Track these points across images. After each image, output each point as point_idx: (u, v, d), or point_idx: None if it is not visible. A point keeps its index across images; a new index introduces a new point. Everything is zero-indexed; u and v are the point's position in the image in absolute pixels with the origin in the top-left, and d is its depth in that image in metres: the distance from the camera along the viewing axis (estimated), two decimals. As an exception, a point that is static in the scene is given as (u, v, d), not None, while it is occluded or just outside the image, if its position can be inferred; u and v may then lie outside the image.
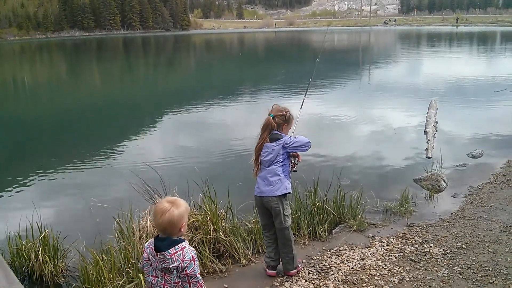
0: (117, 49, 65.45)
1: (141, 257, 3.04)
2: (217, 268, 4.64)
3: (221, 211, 5.26)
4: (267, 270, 4.55)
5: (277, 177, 4.23)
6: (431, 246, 5.01)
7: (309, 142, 4.24)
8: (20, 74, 33.34)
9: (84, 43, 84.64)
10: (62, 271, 4.82)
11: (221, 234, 4.90)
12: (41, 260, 4.67)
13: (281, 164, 4.25)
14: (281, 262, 4.52)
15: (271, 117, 4.25)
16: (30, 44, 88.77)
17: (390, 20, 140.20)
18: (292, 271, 4.48)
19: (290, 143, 4.19)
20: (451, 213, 5.98)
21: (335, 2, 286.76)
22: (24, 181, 8.36)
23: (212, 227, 4.89)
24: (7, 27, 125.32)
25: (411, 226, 5.59)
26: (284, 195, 4.26)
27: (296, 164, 4.48)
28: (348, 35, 79.73)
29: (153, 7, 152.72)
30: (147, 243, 2.85)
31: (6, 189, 7.96)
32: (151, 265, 2.79)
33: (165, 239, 2.70)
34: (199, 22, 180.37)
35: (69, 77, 31.00)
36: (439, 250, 4.90)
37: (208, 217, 4.96)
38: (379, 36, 74.00)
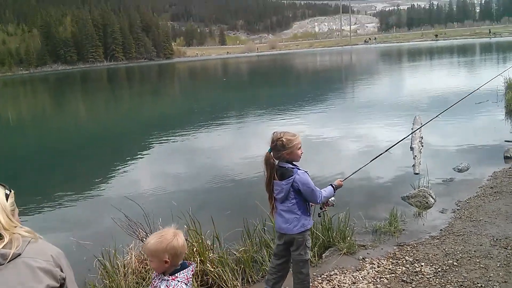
0: (101, 81, 65.53)
1: None
2: (205, 302, 4.51)
3: (207, 241, 5.15)
4: None
5: (293, 215, 3.91)
6: (422, 265, 4.93)
7: (319, 200, 3.96)
8: (3, 110, 33.08)
9: (68, 77, 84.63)
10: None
11: (208, 265, 4.78)
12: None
13: (295, 201, 3.91)
14: None
15: (269, 152, 3.89)
16: (13, 80, 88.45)
17: (370, 39, 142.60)
18: None
19: (299, 187, 3.86)
20: (441, 230, 5.92)
21: (315, 23, 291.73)
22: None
23: (199, 259, 4.77)
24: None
25: (401, 245, 5.52)
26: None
27: (323, 209, 4.28)
28: (329, 56, 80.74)
29: (135, 37, 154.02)
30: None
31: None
32: None
33: None
34: (182, 50, 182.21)
35: (53, 112, 30.84)
36: (431, 269, 4.83)
37: (195, 249, 4.84)
38: (361, 55, 75.01)
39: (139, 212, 5.17)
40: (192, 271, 2.78)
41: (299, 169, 3.91)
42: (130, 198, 6.25)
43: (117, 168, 11.72)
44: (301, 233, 3.94)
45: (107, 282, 4.56)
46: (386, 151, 5.43)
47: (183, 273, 2.70)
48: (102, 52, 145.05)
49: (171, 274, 2.69)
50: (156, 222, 5.25)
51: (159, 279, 2.72)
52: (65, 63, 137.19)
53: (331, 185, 4.14)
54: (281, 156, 3.87)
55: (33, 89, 60.22)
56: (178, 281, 2.66)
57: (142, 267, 4.77)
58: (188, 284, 2.70)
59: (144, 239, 4.90)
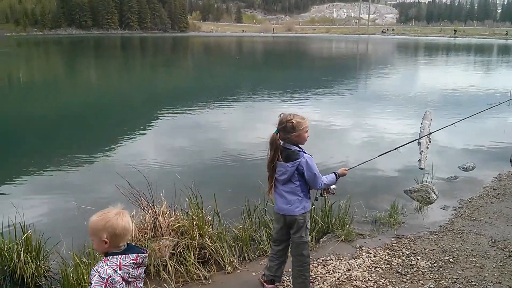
0: (114, 48, 65.36)
1: None
2: (201, 275, 4.56)
3: (208, 216, 5.20)
4: (265, 284, 4.33)
5: (296, 197, 3.93)
6: (418, 259, 4.96)
7: (319, 187, 3.97)
8: (15, 70, 33.14)
9: (81, 41, 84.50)
10: (44, 272, 4.73)
11: (207, 240, 4.83)
12: (23, 261, 4.58)
13: (298, 183, 3.92)
14: (293, 282, 4.22)
15: (276, 133, 3.87)
16: (27, 40, 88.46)
17: (388, 30, 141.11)
18: None
19: (303, 171, 3.86)
20: (440, 226, 5.94)
21: (334, 9, 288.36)
22: (9, 180, 8.26)
23: (198, 232, 4.82)
24: (4, 23, 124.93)
25: (399, 238, 5.55)
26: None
27: (322, 195, 4.31)
28: (345, 43, 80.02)
29: (151, 7, 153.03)
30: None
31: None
32: None
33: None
34: (197, 25, 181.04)
35: (64, 75, 30.87)
36: (426, 263, 4.86)
37: (194, 222, 4.89)
38: (377, 46, 74.28)
39: (142, 182, 5.19)
40: (135, 260, 2.54)
41: (305, 152, 3.90)
42: (135, 167, 6.30)
43: (124, 137, 11.78)
44: (302, 214, 3.97)
45: (106, 247, 4.61)
46: (395, 149, 5.46)
47: (116, 258, 2.50)
48: (117, 19, 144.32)
49: (106, 255, 2.54)
50: (159, 192, 5.30)
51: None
52: (80, 28, 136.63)
53: (334, 173, 4.14)
54: (289, 138, 3.85)
55: (46, 51, 60.21)
56: (107, 264, 2.47)
57: (142, 236, 4.83)
58: (120, 272, 2.47)
59: (145, 208, 4.96)
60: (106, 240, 2.47)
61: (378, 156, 5.05)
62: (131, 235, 2.64)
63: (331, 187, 4.15)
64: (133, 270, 2.54)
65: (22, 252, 4.63)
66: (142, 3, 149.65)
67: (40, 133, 12.55)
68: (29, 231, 4.82)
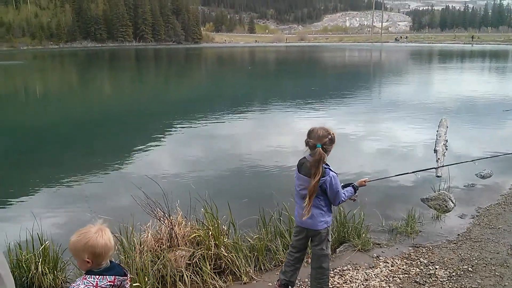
0: (129, 60, 66.06)
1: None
2: (217, 285, 4.55)
3: (223, 226, 5.20)
4: None
5: (319, 211, 3.86)
6: (436, 268, 4.90)
7: (338, 203, 3.93)
8: (31, 82, 33.67)
9: (96, 54, 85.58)
10: (61, 283, 4.76)
11: (222, 250, 4.83)
12: (40, 272, 4.62)
13: (322, 198, 3.86)
14: None
15: (320, 148, 3.69)
16: (43, 53, 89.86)
17: (401, 37, 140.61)
18: None
19: (327, 189, 3.80)
20: (458, 235, 5.86)
21: (347, 18, 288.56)
22: (27, 190, 8.35)
23: (213, 242, 4.82)
24: (21, 36, 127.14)
25: (417, 247, 5.49)
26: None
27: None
28: (359, 52, 79.90)
29: (165, 20, 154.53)
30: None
31: (9, 198, 7.96)
32: None
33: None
34: (211, 36, 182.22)
35: (79, 87, 31.26)
36: (445, 273, 4.79)
37: (210, 232, 4.90)
38: (391, 54, 74.02)
39: (157, 192, 5.22)
40: (112, 282, 2.46)
41: (331, 170, 3.83)
42: (150, 177, 6.34)
43: (138, 147, 11.86)
44: (325, 229, 3.95)
45: (123, 257, 4.65)
46: (413, 172, 5.43)
47: (93, 278, 2.43)
48: (131, 32, 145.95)
49: (86, 273, 2.47)
50: (174, 203, 5.31)
51: None
52: (95, 41, 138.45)
53: (352, 186, 4.09)
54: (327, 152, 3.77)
55: (62, 64, 61.06)
56: (84, 283, 2.41)
57: (158, 246, 4.84)
58: None
59: (161, 219, 4.97)
60: (88, 260, 2.42)
61: (395, 175, 4.98)
62: (113, 252, 2.53)
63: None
64: None
65: (39, 263, 4.67)
66: (156, 16, 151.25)
67: (56, 143, 12.68)
68: (46, 242, 4.86)
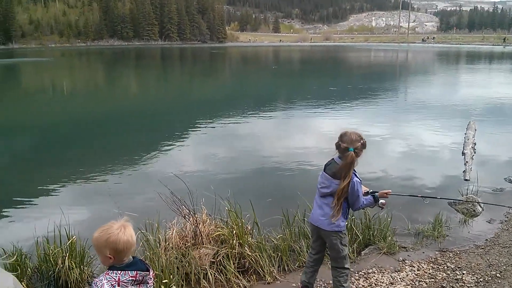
0: (155, 59, 66.71)
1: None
2: (241, 284, 4.55)
3: (247, 225, 5.20)
4: None
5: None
6: (463, 273, 4.80)
7: (356, 209, 3.97)
8: (58, 79, 34.28)
9: (123, 52, 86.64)
10: (87, 278, 4.82)
11: (246, 249, 4.83)
12: (67, 266, 4.69)
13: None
14: None
15: (353, 151, 3.71)
16: (71, 51, 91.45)
17: (428, 38, 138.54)
18: None
19: (349, 192, 3.80)
20: (486, 240, 5.74)
21: (373, 18, 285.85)
22: (55, 186, 8.49)
23: (237, 241, 4.82)
24: (49, 34, 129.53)
25: (444, 251, 5.39)
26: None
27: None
28: (384, 52, 79.05)
29: (190, 19, 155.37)
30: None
31: (37, 194, 8.11)
32: None
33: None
34: (235, 35, 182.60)
35: (105, 84, 31.71)
36: (472, 278, 4.70)
37: (234, 231, 4.90)
38: (418, 55, 73.02)
39: (183, 190, 5.24)
40: (134, 277, 2.47)
41: (356, 175, 3.83)
42: (175, 174, 6.38)
43: (163, 144, 11.95)
44: (335, 233, 3.91)
45: (148, 254, 4.68)
46: (441, 198, 5.74)
47: (116, 274, 2.46)
48: (157, 30, 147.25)
49: (108, 269, 2.50)
50: (199, 201, 5.33)
51: None
52: (121, 39, 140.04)
53: (373, 195, 4.05)
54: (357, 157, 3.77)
55: (89, 61, 62.02)
56: (106, 279, 2.44)
57: (183, 244, 4.86)
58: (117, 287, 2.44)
59: (186, 216, 5.00)
60: (110, 256, 2.44)
61: (422, 197, 4.84)
62: (134, 248, 2.56)
63: (381, 201, 4.05)
64: (132, 287, 2.48)
65: (66, 257, 4.73)
66: (182, 15, 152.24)
67: (83, 140, 12.89)
68: (73, 237, 4.93)
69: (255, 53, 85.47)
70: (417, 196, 4.96)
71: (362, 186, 3.96)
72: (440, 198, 5.57)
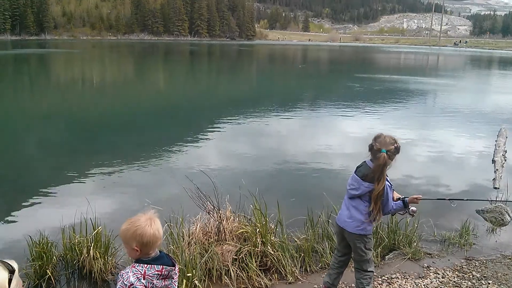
0: (184, 55, 67.25)
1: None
2: (262, 283, 4.55)
3: (270, 224, 5.19)
4: None
5: (360, 215, 3.82)
6: (489, 283, 4.70)
7: (385, 213, 3.91)
8: (89, 72, 34.87)
9: (153, 47, 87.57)
10: (111, 268, 4.89)
11: (269, 248, 4.82)
12: (92, 256, 4.76)
13: (368, 204, 3.81)
14: None
15: (386, 153, 3.67)
16: (102, 44, 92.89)
17: (460, 41, 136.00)
18: None
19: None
20: (514, 250, 5.60)
21: (404, 20, 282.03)
22: (82, 177, 8.63)
23: (260, 240, 4.82)
24: (81, 27, 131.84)
25: (470, 260, 5.28)
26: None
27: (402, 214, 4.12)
28: (415, 55, 77.91)
29: (220, 15, 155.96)
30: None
31: (65, 184, 8.24)
32: None
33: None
34: (264, 33, 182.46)
35: (135, 78, 32.06)
36: (499, 289, 4.59)
37: (258, 229, 4.90)
38: (449, 59, 71.70)
39: (208, 185, 5.27)
40: (160, 272, 2.48)
41: (387, 179, 3.79)
42: (201, 170, 6.41)
43: (190, 140, 12.04)
44: (360, 236, 3.87)
45: (172, 247, 4.71)
46: (467, 199, 5.58)
47: (142, 267, 2.47)
48: (187, 26, 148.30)
49: (135, 261, 2.51)
50: (224, 197, 5.34)
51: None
52: (151, 34, 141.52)
53: (403, 200, 3.98)
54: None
55: (119, 55, 62.88)
56: (132, 272, 2.46)
57: (206, 239, 4.89)
58: (143, 281, 2.44)
59: (211, 212, 5.02)
60: (136, 248, 2.45)
61: (451, 199, 4.72)
62: (161, 242, 2.56)
63: (411, 208, 3.99)
64: (157, 281, 2.49)
65: (91, 247, 4.81)
66: (212, 11, 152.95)
67: (111, 133, 13.09)
68: (99, 227, 5.00)
69: (283, 51, 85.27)
70: (444, 199, 4.87)
71: (394, 192, 3.91)
72: (467, 200, 5.44)
